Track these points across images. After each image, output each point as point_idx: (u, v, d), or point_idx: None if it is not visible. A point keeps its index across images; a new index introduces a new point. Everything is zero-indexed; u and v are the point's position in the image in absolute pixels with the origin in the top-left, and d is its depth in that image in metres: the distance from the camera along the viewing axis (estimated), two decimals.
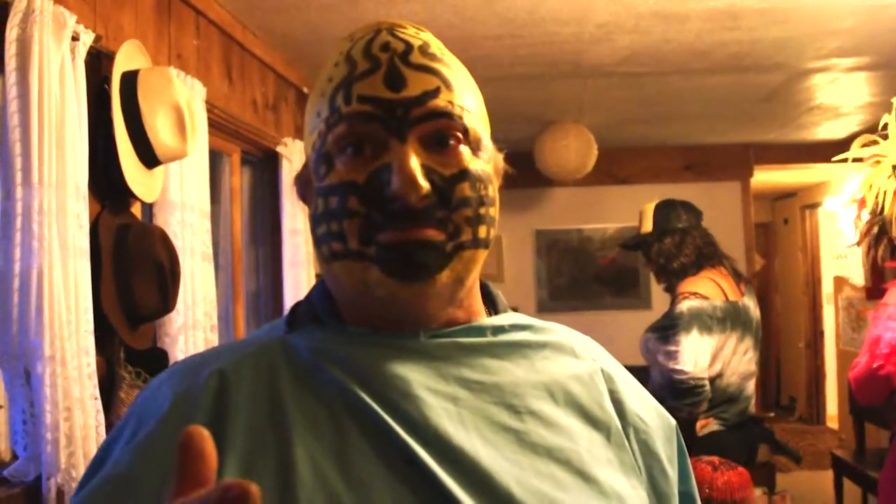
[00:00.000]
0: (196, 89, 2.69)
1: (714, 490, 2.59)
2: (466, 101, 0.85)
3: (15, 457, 1.97)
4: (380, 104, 0.81)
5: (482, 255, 0.85)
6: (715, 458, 2.70)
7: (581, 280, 6.42)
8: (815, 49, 3.71)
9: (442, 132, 0.82)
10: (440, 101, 0.82)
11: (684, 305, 3.07)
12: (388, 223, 0.80)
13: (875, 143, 2.61)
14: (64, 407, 1.93)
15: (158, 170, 2.43)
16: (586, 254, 6.43)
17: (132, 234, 2.28)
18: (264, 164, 3.79)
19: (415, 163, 0.79)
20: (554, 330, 0.94)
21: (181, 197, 2.60)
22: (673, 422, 0.95)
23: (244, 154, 3.58)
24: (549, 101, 4.71)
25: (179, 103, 2.34)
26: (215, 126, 3.08)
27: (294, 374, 0.81)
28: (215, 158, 3.31)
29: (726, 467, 2.67)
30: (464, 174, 0.82)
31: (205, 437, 0.52)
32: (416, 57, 0.84)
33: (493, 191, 0.86)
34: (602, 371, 0.91)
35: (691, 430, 3.01)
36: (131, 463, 0.76)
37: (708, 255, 3.24)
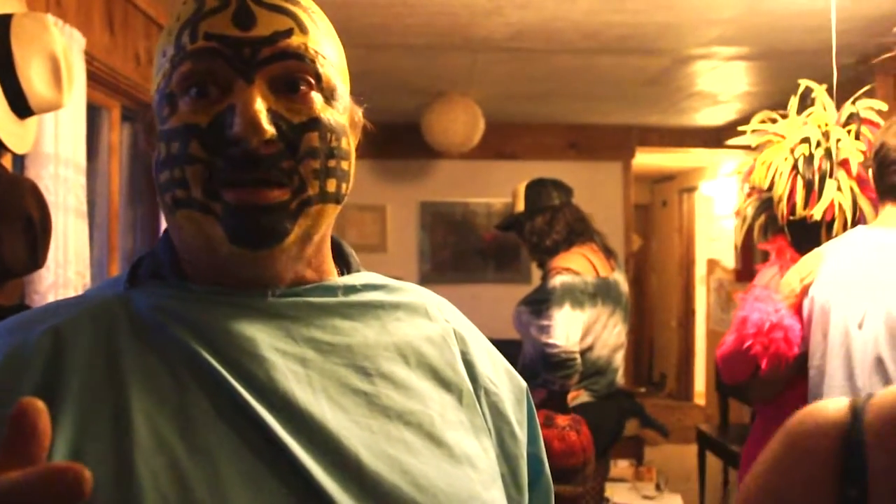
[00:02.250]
0: (75, 39, 2.60)
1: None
2: (323, 47, 0.81)
3: None
4: (226, 42, 0.77)
5: (332, 210, 0.82)
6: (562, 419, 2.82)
7: (464, 253, 6.49)
8: (697, 36, 3.83)
9: (292, 75, 0.78)
10: (292, 42, 0.78)
11: (557, 280, 3.15)
12: (231, 171, 0.76)
13: (773, 121, 2.71)
14: None
15: (31, 120, 2.34)
16: (470, 227, 6.49)
17: (1, 186, 2.19)
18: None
19: (260, 105, 0.75)
20: (407, 290, 0.91)
21: (55, 149, 2.51)
22: (523, 384, 0.94)
23: (125, 110, 3.47)
24: (437, 73, 4.72)
25: (56, 52, 2.26)
26: (95, 79, 2.97)
27: (134, 333, 0.76)
28: (94, 113, 3.20)
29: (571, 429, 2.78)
30: (314, 123, 0.78)
31: (40, 412, 0.48)
32: None
33: (346, 143, 0.82)
34: (455, 332, 0.89)
35: (563, 400, 3.09)
36: None
37: (579, 232, 3.33)
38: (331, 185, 0.80)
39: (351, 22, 3.38)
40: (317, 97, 0.80)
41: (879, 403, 0.78)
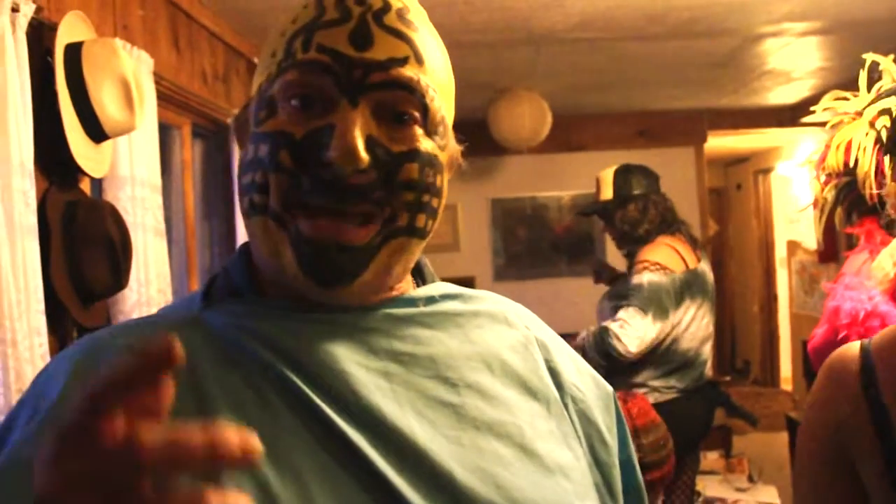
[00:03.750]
0: (143, 61, 2.63)
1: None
2: (436, 79, 0.79)
3: None
4: (338, 59, 0.74)
5: (416, 245, 0.79)
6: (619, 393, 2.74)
7: (537, 248, 6.43)
8: (767, 13, 3.72)
9: (399, 106, 0.76)
10: (405, 72, 0.75)
11: (644, 278, 3.07)
12: (316, 194, 0.73)
13: (845, 99, 2.61)
14: (17, 389, 1.89)
15: (106, 144, 2.37)
16: (542, 222, 6.43)
17: (81, 211, 2.23)
18: (215, 137, 3.73)
19: (359, 132, 0.72)
20: (484, 298, 0.89)
21: (131, 171, 2.55)
22: (610, 389, 0.91)
23: (195, 126, 3.52)
24: (502, 68, 4.68)
25: (126, 76, 2.29)
26: (164, 98, 3.01)
27: (214, 354, 0.75)
28: (165, 132, 3.24)
29: (630, 397, 2.69)
30: (414, 154, 0.76)
31: (179, 352, 0.46)
32: (391, 19, 0.77)
33: (441, 181, 0.80)
34: (536, 340, 0.87)
35: None
36: (30, 452, 0.67)
37: (669, 221, 3.26)
38: (420, 221, 0.78)
39: None
40: (420, 130, 0.77)
41: (878, 337, 1.13)
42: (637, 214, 3.27)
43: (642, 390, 3.02)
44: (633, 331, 2.97)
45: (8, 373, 1.87)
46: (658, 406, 3.00)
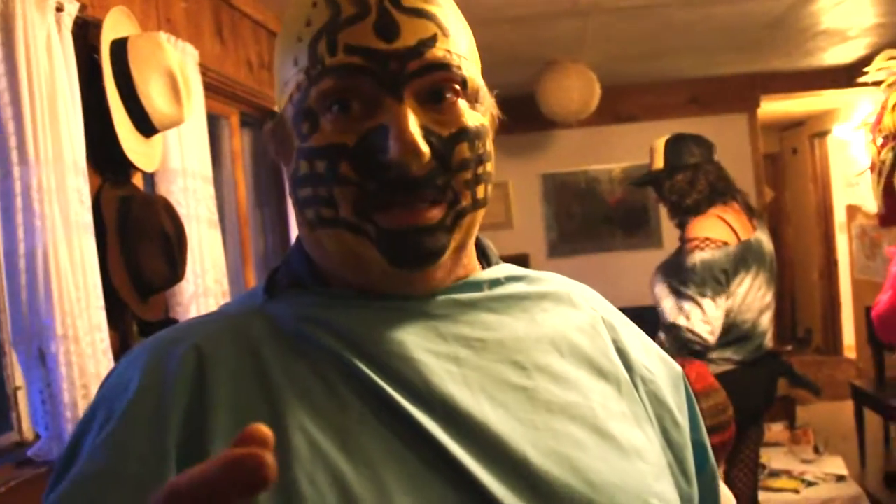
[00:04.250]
0: (188, 53, 2.64)
1: None
2: (462, 46, 0.77)
3: (38, 437, 1.97)
4: (371, 56, 0.72)
5: (481, 214, 0.80)
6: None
7: (590, 222, 6.37)
8: None
9: (439, 85, 0.74)
10: (438, 51, 0.74)
11: (696, 258, 2.99)
12: (386, 195, 0.73)
13: None
14: (81, 385, 1.91)
15: (157, 138, 2.39)
16: (594, 195, 6.37)
17: (135, 206, 2.25)
18: (263, 125, 3.73)
19: (414, 126, 0.71)
20: (548, 279, 0.88)
21: (182, 164, 2.56)
22: (678, 368, 0.90)
23: (243, 115, 3.53)
24: (548, 41, 4.62)
25: (172, 69, 2.29)
26: (211, 89, 3.02)
27: (279, 345, 0.74)
28: (214, 122, 3.26)
29: (688, 363, 2.63)
30: (463, 133, 0.75)
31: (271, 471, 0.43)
32: None
33: (489, 144, 0.79)
34: (603, 320, 0.86)
35: None
36: (107, 456, 0.69)
37: (721, 191, 3.18)
38: (480, 192, 0.78)
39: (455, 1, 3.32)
40: (463, 104, 0.76)
41: None
42: (685, 184, 3.20)
43: None
44: (700, 316, 2.90)
45: (71, 368, 1.89)
46: (716, 378, 2.94)
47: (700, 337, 2.89)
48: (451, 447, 0.69)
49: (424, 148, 0.71)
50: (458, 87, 0.75)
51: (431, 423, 0.70)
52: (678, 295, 3.00)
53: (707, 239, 3.02)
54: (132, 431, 0.69)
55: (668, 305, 3.02)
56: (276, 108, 0.84)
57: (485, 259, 0.88)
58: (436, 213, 0.74)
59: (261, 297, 0.81)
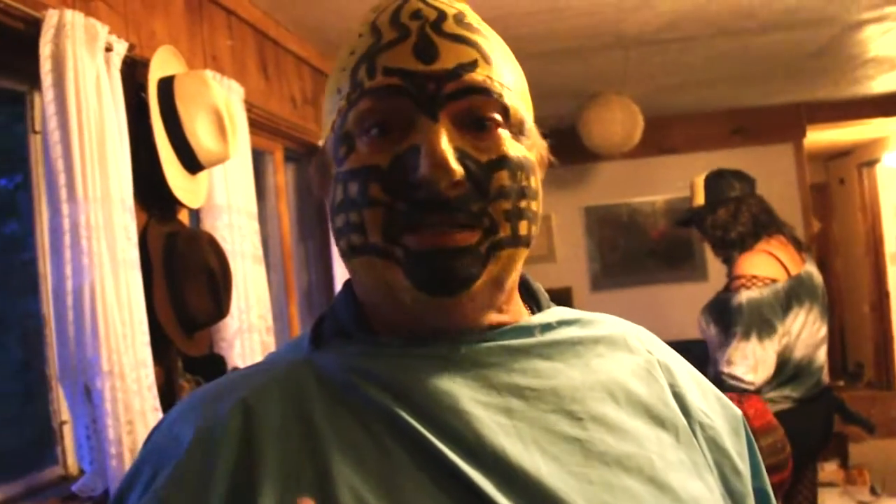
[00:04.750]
0: (233, 90, 2.66)
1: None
2: (507, 77, 0.76)
3: (82, 472, 1.97)
4: (408, 77, 0.71)
5: (522, 254, 0.76)
6: (733, 395, 2.57)
7: (634, 255, 6.31)
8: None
9: (478, 111, 0.73)
10: (477, 76, 0.73)
11: (743, 297, 2.92)
12: (415, 216, 0.71)
13: None
14: (126, 420, 1.91)
15: (202, 175, 2.40)
16: (637, 228, 6.31)
17: (181, 242, 2.26)
18: (307, 159, 3.76)
19: (446, 144, 0.70)
20: (602, 322, 0.84)
21: (227, 200, 2.58)
22: (738, 412, 0.85)
23: (287, 151, 3.55)
24: (590, 74, 4.62)
25: (218, 106, 2.31)
26: (256, 125, 3.04)
27: (327, 398, 0.72)
28: (258, 157, 3.28)
29: (745, 398, 2.54)
30: (503, 161, 0.73)
31: None
32: (450, 26, 0.74)
33: (535, 182, 0.77)
34: (659, 363, 0.83)
35: None
36: None
37: (765, 224, 3.11)
38: (523, 228, 0.75)
39: (499, 35, 3.32)
40: (504, 133, 0.74)
41: None
42: (727, 218, 3.14)
43: None
44: (744, 361, 2.83)
45: (116, 404, 1.90)
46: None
47: (743, 381, 2.81)
48: (504, 503, 0.67)
49: (455, 166, 0.70)
50: (498, 115, 0.74)
51: (482, 479, 0.67)
52: (725, 338, 2.93)
53: (754, 277, 2.95)
54: (178, 493, 0.68)
55: (718, 352, 2.95)
56: (321, 143, 0.83)
57: (534, 302, 0.84)
58: (467, 237, 0.72)
59: (307, 346, 0.79)
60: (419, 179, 0.69)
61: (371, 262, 0.73)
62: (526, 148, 0.77)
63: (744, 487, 0.80)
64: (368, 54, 0.74)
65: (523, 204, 0.74)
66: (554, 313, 0.83)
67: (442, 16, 0.75)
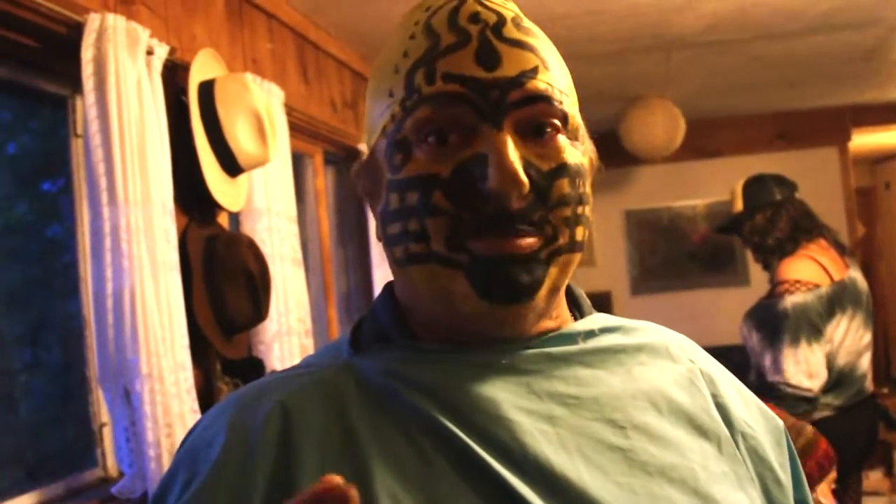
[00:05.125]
0: (274, 93, 2.67)
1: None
2: (562, 82, 0.75)
3: (122, 474, 1.98)
4: (471, 84, 0.70)
5: (576, 259, 0.75)
6: None
7: (674, 259, 6.25)
8: None
9: (540, 119, 0.71)
10: (539, 83, 0.71)
11: (788, 302, 2.87)
12: (482, 227, 0.69)
13: None
14: (164, 423, 1.92)
15: (242, 178, 2.41)
16: (678, 232, 6.25)
17: (220, 245, 2.27)
18: (347, 163, 3.76)
19: (514, 155, 0.69)
20: (644, 329, 0.83)
21: (267, 203, 2.58)
22: (780, 423, 0.84)
23: (326, 154, 3.56)
24: (631, 76, 4.58)
25: (258, 109, 2.32)
26: (295, 128, 3.05)
27: (366, 403, 0.71)
28: (298, 161, 3.28)
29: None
30: (563, 169, 0.72)
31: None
32: (509, 30, 0.73)
33: (588, 186, 0.76)
34: (702, 373, 0.81)
35: None
36: None
37: (806, 229, 3.06)
38: (579, 234, 0.74)
39: None
40: (563, 140, 0.73)
41: None
42: (765, 223, 3.09)
43: None
44: (795, 368, 2.78)
45: (155, 407, 1.90)
46: (814, 425, 2.81)
47: (801, 388, 2.76)
48: None
49: (524, 178, 0.69)
50: (558, 122, 0.73)
51: (524, 487, 0.66)
52: (773, 347, 2.87)
53: (797, 282, 2.90)
54: (216, 495, 0.68)
55: (767, 361, 2.90)
56: (364, 147, 0.81)
57: (577, 308, 0.83)
58: (531, 243, 0.71)
59: (346, 350, 0.78)
60: (489, 191, 0.68)
61: (432, 270, 0.72)
62: (581, 154, 0.76)
63: (786, 499, 0.78)
64: (426, 59, 0.72)
65: (580, 210, 0.74)
66: (596, 320, 0.81)
67: (501, 20, 0.73)
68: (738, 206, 3.19)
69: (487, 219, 0.69)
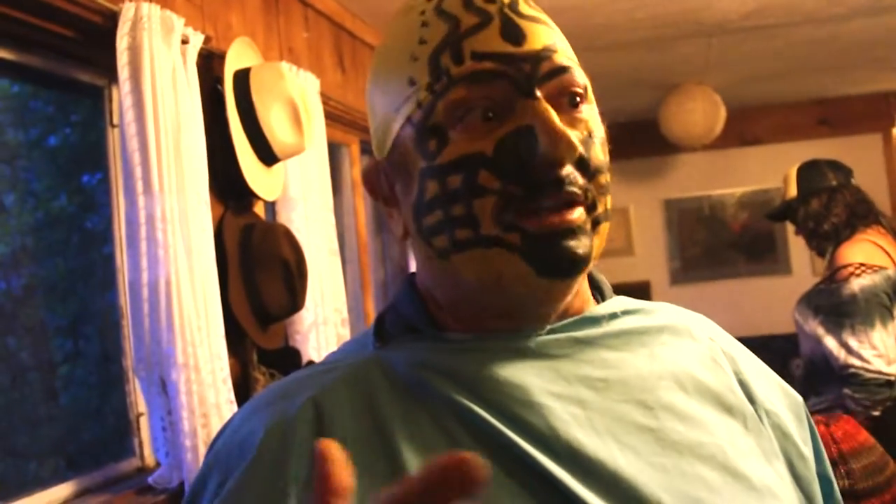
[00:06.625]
0: (309, 82, 2.66)
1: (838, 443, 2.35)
2: (572, 54, 0.75)
3: (158, 464, 1.98)
4: (503, 60, 0.69)
5: (607, 230, 0.75)
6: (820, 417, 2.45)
7: (714, 248, 6.18)
8: None
9: (570, 89, 0.71)
10: (560, 56, 0.72)
11: (855, 286, 2.80)
12: (533, 198, 0.68)
13: None
14: (200, 413, 1.92)
15: (278, 167, 2.40)
16: (719, 221, 6.18)
17: (256, 234, 2.26)
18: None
19: (559, 120, 0.68)
20: (664, 310, 0.83)
21: (303, 192, 2.57)
22: (799, 398, 0.84)
23: (363, 144, 3.54)
24: (671, 63, 4.52)
25: (294, 98, 2.31)
26: (331, 118, 3.04)
27: (397, 395, 0.71)
28: (334, 150, 3.27)
29: (833, 420, 2.42)
30: (595, 136, 0.72)
31: (338, 446, 0.44)
32: (524, 7, 0.73)
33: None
34: (723, 352, 0.81)
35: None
36: None
37: (861, 214, 2.99)
38: (610, 202, 0.74)
39: (575, 26, 3.28)
40: (589, 109, 0.73)
41: None
42: (820, 209, 3.03)
43: (849, 404, 2.76)
44: (871, 353, 2.71)
45: (191, 397, 1.90)
46: (868, 419, 2.73)
47: (880, 372, 2.70)
48: (583, 494, 0.65)
49: (576, 141, 0.69)
50: (583, 91, 0.73)
51: (559, 470, 0.66)
52: (842, 332, 2.80)
53: (862, 265, 2.83)
54: (251, 495, 0.67)
55: (834, 347, 2.83)
56: (374, 148, 0.80)
57: (598, 291, 0.83)
58: (580, 214, 0.70)
59: (371, 343, 0.78)
60: (540, 159, 0.68)
61: (483, 254, 0.70)
62: (600, 122, 0.76)
63: (809, 473, 0.79)
64: (449, 41, 0.71)
65: (608, 178, 0.74)
66: (617, 303, 0.81)
67: None
68: (792, 191, 3.12)
69: (539, 188, 0.69)
